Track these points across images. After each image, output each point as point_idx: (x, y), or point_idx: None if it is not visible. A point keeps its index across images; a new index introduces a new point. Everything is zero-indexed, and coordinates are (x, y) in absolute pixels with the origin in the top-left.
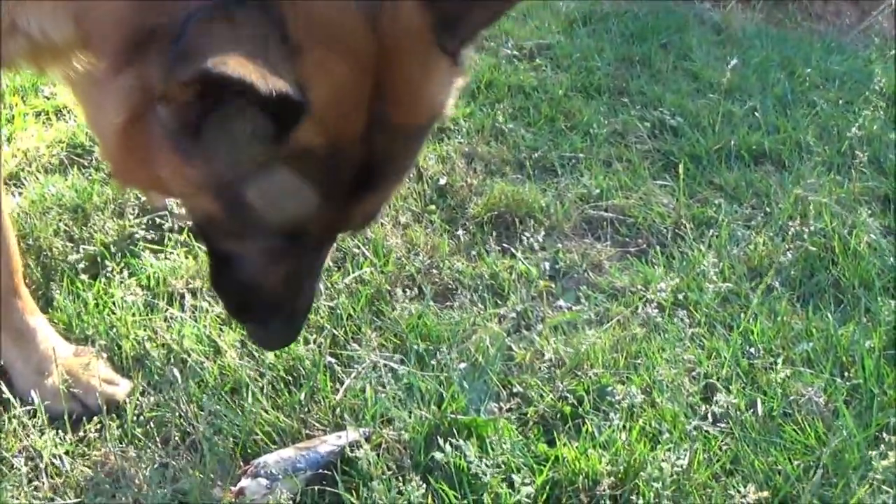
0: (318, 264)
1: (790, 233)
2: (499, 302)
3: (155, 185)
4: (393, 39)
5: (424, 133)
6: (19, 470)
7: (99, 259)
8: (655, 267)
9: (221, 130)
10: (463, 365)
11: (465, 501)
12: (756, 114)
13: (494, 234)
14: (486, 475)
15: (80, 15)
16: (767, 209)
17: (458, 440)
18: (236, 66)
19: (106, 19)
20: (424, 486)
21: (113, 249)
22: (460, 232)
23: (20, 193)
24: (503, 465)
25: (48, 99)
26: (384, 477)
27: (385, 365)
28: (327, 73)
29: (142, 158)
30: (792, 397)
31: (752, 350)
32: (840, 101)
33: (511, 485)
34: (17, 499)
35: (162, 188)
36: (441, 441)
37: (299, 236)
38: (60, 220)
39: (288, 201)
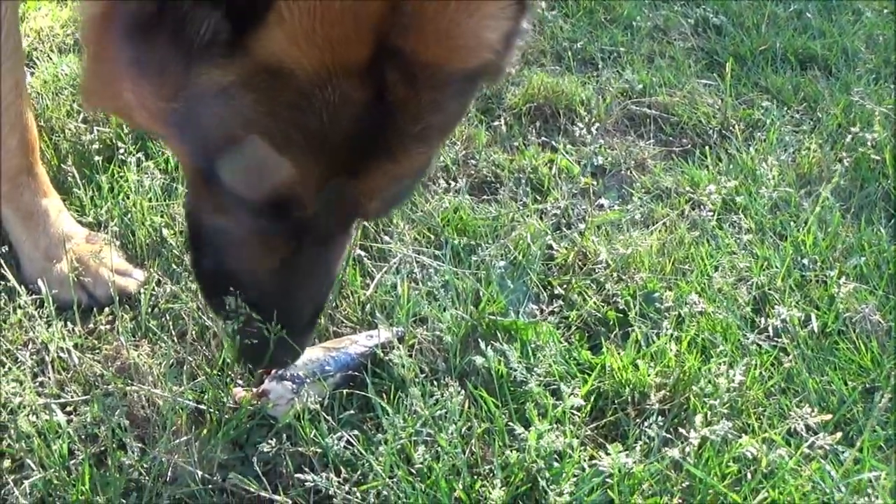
0: (323, 261)
1: (841, 142)
2: (538, 198)
3: (122, 111)
4: None
5: (466, 85)
6: (24, 363)
7: (113, 141)
8: (702, 168)
9: (178, 36)
10: (502, 263)
11: (506, 410)
12: (801, 17)
13: (534, 126)
14: (529, 382)
15: None
16: (818, 115)
17: (497, 343)
18: None
19: None
20: (462, 391)
21: (127, 131)
22: (497, 123)
23: (32, 73)
24: (546, 374)
25: None
26: (418, 380)
27: (419, 260)
28: None
29: (108, 78)
30: (846, 314)
31: (805, 262)
32: (885, 11)
33: (555, 394)
34: (22, 394)
35: (130, 118)
36: (479, 344)
37: (286, 210)
38: (74, 101)
39: (262, 150)
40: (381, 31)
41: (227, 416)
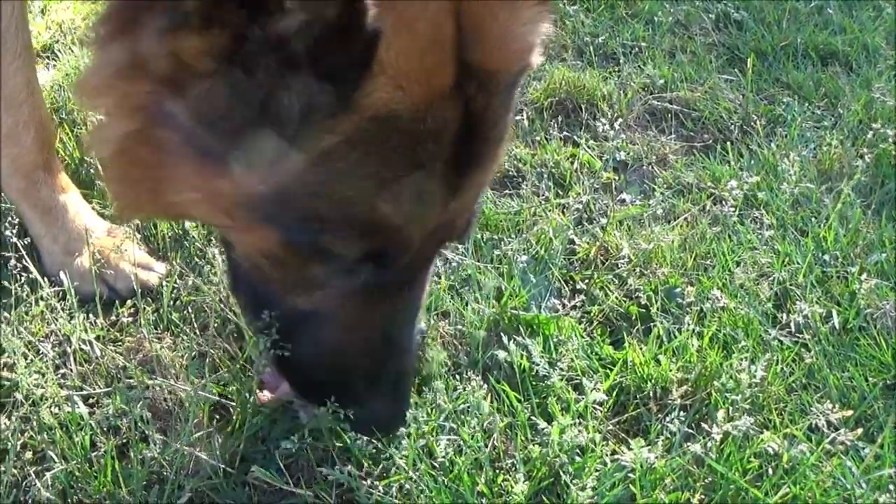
0: (416, 299)
1: (862, 138)
2: (560, 192)
3: (172, 212)
4: None
5: (517, 85)
6: (46, 355)
7: None
8: (724, 164)
9: (264, 116)
10: (524, 257)
11: (529, 404)
12: (822, 13)
13: (556, 120)
14: (551, 377)
15: None
16: (839, 111)
17: (520, 338)
18: None
19: None
20: (485, 385)
21: None
22: (519, 117)
23: (54, 66)
24: (569, 368)
25: None
26: (440, 375)
27: (441, 255)
28: (400, 9)
29: (150, 182)
30: (867, 310)
31: (826, 258)
32: None
33: (577, 389)
34: (44, 386)
35: (184, 215)
36: (500, 338)
37: (392, 258)
38: None
39: (370, 199)
40: (456, 51)
41: (249, 410)
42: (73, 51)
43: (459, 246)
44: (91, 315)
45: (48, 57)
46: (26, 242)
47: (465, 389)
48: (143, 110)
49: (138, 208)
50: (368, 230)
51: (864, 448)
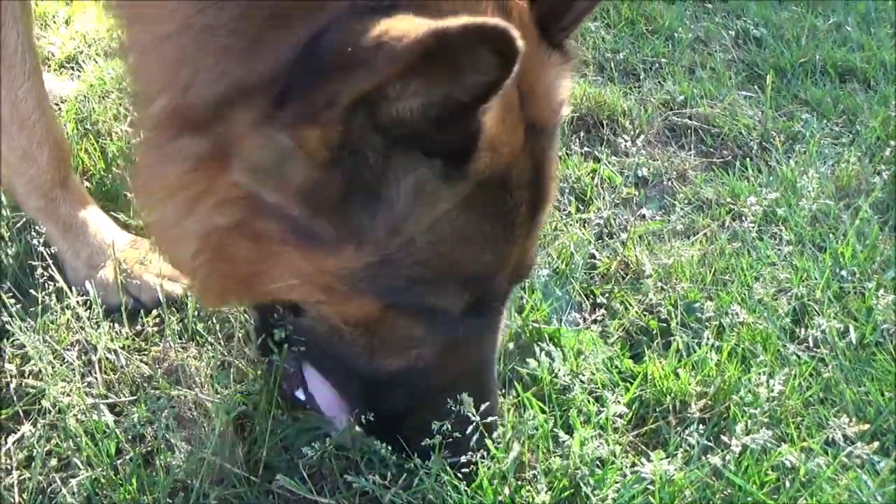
0: (496, 339)
1: (880, 154)
2: (581, 207)
3: (268, 298)
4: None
5: (557, 133)
6: (72, 364)
7: None
8: (743, 180)
9: (377, 195)
10: (545, 271)
11: (551, 416)
12: (840, 30)
13: (577, 136)
14: (574, 389)
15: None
16: (857, 127)
17: (544, 349)
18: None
19: (158, 71)
20: (512, 397)
21: None
22: None
23: (79, 77)
24: (590, 381)
25: None
26: None
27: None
28: None
29: (244, 276)
30: (884, 325)
31: (844, 273)
32: None
33: (598, 401)
34: (69, 394)
35: (278, 298)
36: (522, 351)
37: (481, 306)
38: (120, 104)
39: (473, 256)
40: (521, 111)
41: (273, 419)
42: (97, 61)
43: None
44: (117, 325)
45: (73, 68)
46: (53, 251)
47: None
48: (238, 203)
49: (225, 298)
50: (472, 282)
51: (879, 462)
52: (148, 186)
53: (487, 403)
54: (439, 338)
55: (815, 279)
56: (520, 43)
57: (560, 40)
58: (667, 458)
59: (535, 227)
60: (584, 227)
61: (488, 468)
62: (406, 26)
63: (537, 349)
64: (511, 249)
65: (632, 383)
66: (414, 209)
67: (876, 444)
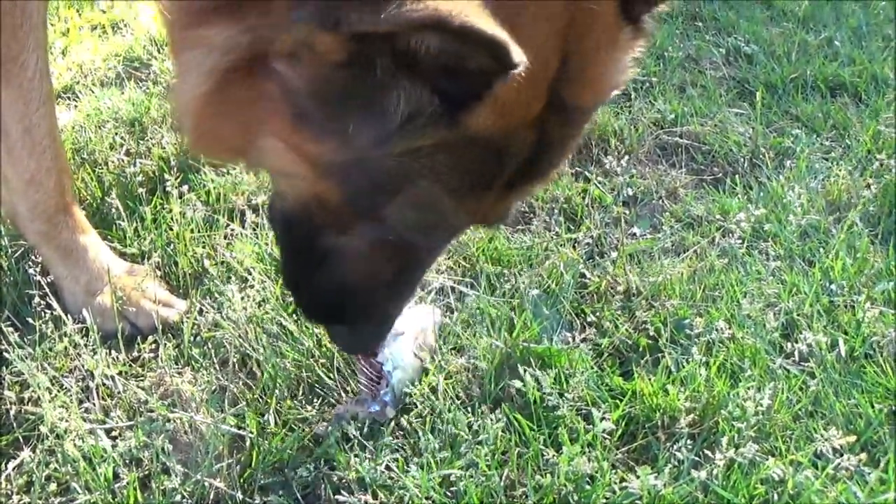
0: (431, 262)
1: (870, 168)
2: (571, 227)
3: (249, 156)
4: (586, 10)
5: (590, 116)
6: (70, 390)
7: (156, 173)
8: (733, 196)
9: (373, 106)
10: (535, 291)
11: (540, 434)
12: (831, 45)
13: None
14: (561, 408)
15: None
16: (847, 142)
17: (531, 370)
18: (479, 22)
19: None
20: (504, 418)
21: (171, 164)
22: None
23: (75, 107)
24: (578, 399)
25: (104, 12)
26: (454, 406)
27: (454, 289)
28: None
29: (240, 123)
30: (874, 338)
31: (833, 287)
32: None
33: (586, 418)
34: (68, 420)
35: (257, 161)
36: (512, 371)
37: (428, 231)
38: (117, 134)
39: (437, 193)
40: (551, 87)
41: (267, 441)
42: (93, 91)
43: (472, 280)
44: (113, 351)
45: (69, 98)
46: (49, 280)
47: (477, 421)
48: (253, 59)
49: (217, 141)
50: (426, 216)
51: (868, 473)
52: (181, 70)
53: (388, 311)
54: (377, 237)
55: (804, 293)
56: (517, 58)
57: (638, 15)
58: (655, 473)
59: (517, 194)
60: (574, 246)
61: (478, 485)
62: None
63: (526, 368)
64: (478, 206)
65: (621, 400)
66: (402, 131)
67: (864, 455)
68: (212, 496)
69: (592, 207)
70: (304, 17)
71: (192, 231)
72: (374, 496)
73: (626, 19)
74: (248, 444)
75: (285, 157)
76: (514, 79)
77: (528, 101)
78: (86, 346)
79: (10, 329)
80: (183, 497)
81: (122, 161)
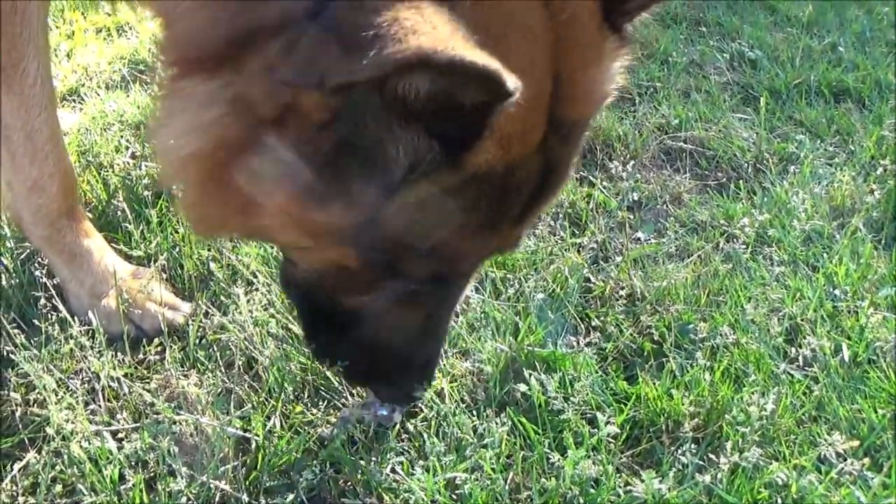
0: (458, 300)
1: (874, 174)
2: (576, 231)
3: (256, 233)
4: (569, 24)
5: (587, 129)
6: (76, 392)
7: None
8: (737, 202)
9: (371, 163)
10: (540, 295)
11: (545, 438)
12: (835, 50)
13: None
14: (566, 412)
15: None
16: (851, 147)
17: (536, 374)
18: (467, 53)
19: (183, 17)
20: (509, 422)
21: None
22: None
23: (81, 109)
24: (583, 403)
25: (109, 15)
26: (459, 410)
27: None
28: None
29: (240, 205)
30: (877, 343)
31: (837, 292)
32: None
33: (591, 422)
34: (74, 422)
35: (266, 237)
36: (517, 374)
37: (447, 277)
38: (122, 137)
39: (451, 238)
40: (550, 108)
41: (273, 444)
42: (98, 94)
43: (478, 285)
44: (119, 353)
45: (74, 100)
46: (55, 282)
47: (482, 424)
48: (238, 139)
49: (222, 227)
50: (442, 260)
51: (871, 477)
52: (161, 115)
53: (427, 357)
54: (399, 291)
55: (808, 299)
56: (511, 85)
57: (621, 24)
58: (659, 477)
59: (529, 218)
60: (579, 251)
61: (483, 489)
62: (411, 23)
63: (531, 372)
64: (494, 238)
65: (626, 404)
66: (404, 184)
67: (867, 459)
68: (217, 498)
69: (597, 212)
70: (284, 77)
71: None
72: (380, 499)
73: (610, 29)
74: (253, 446)
75: (292, 230)
76: (512, 107)
77: (530, 128)
78: (92, 348)
79: (16, 330)
80: (188, 499)
81: (128, 164)
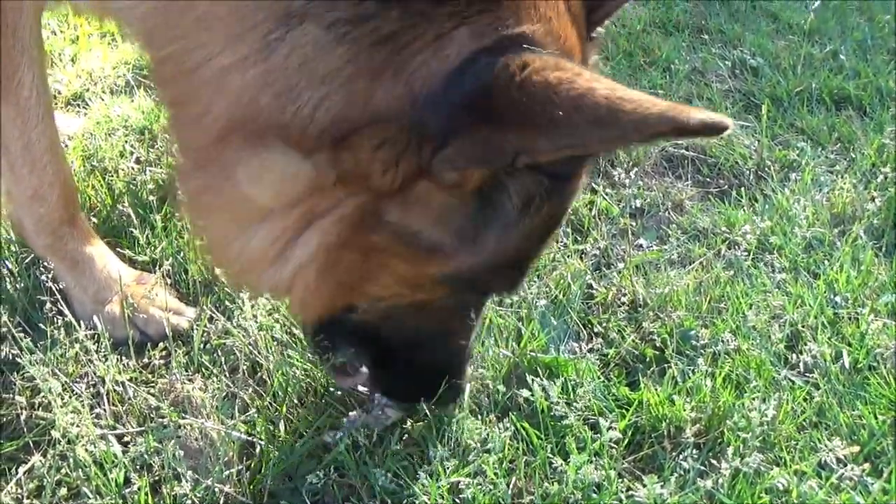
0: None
1: (875, 181)
2: (579, 238)
3: (364, 299)
4: (582, 37)
5: None
6: (81, 396)
7: (166, 181)
8: (738, 209)
9: (494, 209)
10: (543, 302)
11: (548, 443)
12: (836, 58)
13: None
14: (569, 417)
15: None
16: (852, 155)
17: (538, 379)
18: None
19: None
20: (513, 427)
21: None
22: None
23: (85, 114)
24: (585, 408)
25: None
26: (462, 415)
27: None
28: None
29: (355, 280)
30: (877, 350)
31: (838, 299)
32: None
33: (593, 428)
34: (79, 425)
35: (357, 299)
36: (520, 380)
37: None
38: (126, 141)
39: (541, 249)
40: None
41: (277, 448)
42: (103, 99)
43: None
44: (124, 358)
45: (79, 105)
46: (61, 286)
47: (486, 429)
48: (350, 219)
49: (329, 309)
50: (523, 269)
51: (872, 483)
52: (213, 207)
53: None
54: (462, 309)
55: (809, 305)
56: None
57: (590, 32)
58: (661, 482)
59: None
60: (581, 257)
61: (485, 493)
62: (605, 89)
63: (534, 377)
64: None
65: (628, 410)
66: (519, 222)
67: (867, 465)
68: (221, 502)
69: (599, 219)
70: (455, 161)
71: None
72: (384, 503)
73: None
74: (257, 450)
75: (397, 287)
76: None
77: None
78: (97, 352)
79: (22, 334)
80: (193, 503)
81: (133, 169)
